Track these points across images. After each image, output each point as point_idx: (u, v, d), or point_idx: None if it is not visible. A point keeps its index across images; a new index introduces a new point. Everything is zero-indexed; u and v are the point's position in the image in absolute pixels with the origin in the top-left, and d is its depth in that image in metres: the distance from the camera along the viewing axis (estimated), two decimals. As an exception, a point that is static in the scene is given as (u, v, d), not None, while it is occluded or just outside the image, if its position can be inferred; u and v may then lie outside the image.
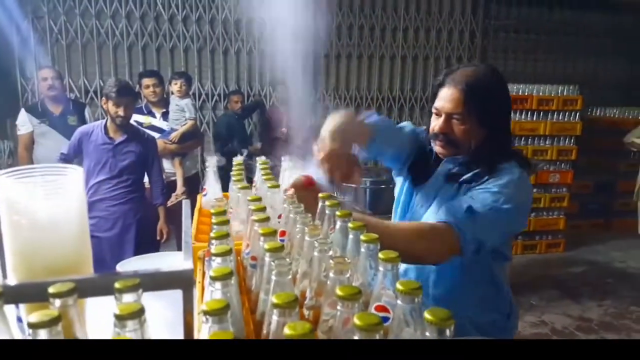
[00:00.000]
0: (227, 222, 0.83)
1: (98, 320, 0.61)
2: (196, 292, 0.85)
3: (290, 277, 0.64)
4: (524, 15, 6.42)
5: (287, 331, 0.45)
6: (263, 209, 0.88)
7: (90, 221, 0.76)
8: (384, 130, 1.36)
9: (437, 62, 6.12)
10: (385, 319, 0.60)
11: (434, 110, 1.32)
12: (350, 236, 0.76)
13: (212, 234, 0.75)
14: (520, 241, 4.99)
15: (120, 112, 2.78)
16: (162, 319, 0.82)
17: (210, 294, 0.61)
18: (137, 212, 2.94)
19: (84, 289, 0.57)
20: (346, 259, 0.64)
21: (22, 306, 0.67)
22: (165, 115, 3.65)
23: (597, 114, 6.22)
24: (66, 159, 2.85)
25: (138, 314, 0.49)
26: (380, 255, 0.63)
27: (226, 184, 1.46)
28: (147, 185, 3.16)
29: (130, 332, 0.48)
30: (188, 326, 0.74)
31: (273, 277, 0.63)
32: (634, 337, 3.41)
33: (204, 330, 0.50)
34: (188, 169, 3.74)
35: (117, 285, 0.55)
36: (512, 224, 1.26)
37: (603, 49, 6.61)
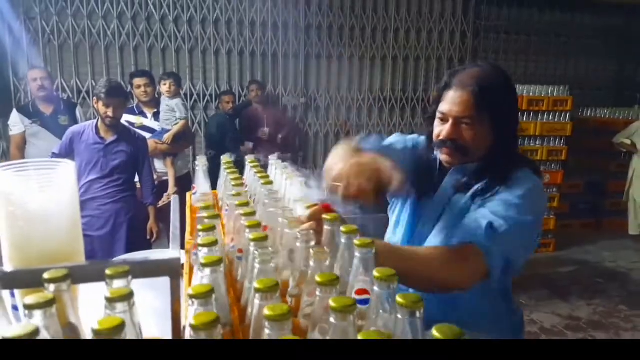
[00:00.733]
0: (215, 217, 0.86)
1: (90, 306, 0.64)
2: (184, 284, 0.88)
3: (273, 265, 0.68)
4: (515, 16, 6.50)
5: (266, 312, 0.49)
6: (247, 204, 0.92)
7: (81, 220, 0.79)
8: (380, 150, 1.23)
9: (428, 63, 6.19)
10: (365, 302, 0.63)
11: (439, 115, 1.19)
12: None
13: (199, 226, 0.78)
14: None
15: (110, 112, 2.79)
16: (151, 309, 0.85)
17: (200, 280, 0.64)
18: (129, 211, 2.96)
19: (76, 276, 0.60)
20: (325, 248, 0.67)
21: (17, 295, 0.70)
22: (156, 116, 3.66)
23: (587, 114, 6.30)
24: (58, 158, 2.86)
25: (128, 297, 0.52)
26: (356, 242, 0.66)
27: (215, 182, 1.49)
28: (138, 185, 3.18)
29: (120, 314, 0.51)
30: (175, 314, 0.77)
31: (257, 266, 0.67)
32: (623, 336, 3.47)
33: (190, 314, 0.53)
34: (180, 169, 3.75)
35: (107, 272, 0.58)
36: (535, 236, 1.17)
37: (593, 50, 6.70)
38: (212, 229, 0.77)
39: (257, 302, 0.56)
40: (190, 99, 5.39)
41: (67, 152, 2.90)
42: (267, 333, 0.48)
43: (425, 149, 1.30)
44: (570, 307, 3.87)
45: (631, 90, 6.83)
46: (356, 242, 0.66)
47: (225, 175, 1.28)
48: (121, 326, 0.46)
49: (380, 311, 0.57)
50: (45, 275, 0.56)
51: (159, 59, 5.31)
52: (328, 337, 0.51)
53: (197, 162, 1.45)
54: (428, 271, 0.97)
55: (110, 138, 2.88)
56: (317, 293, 0.57)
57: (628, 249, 5.19)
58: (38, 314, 0.50)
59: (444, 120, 1.18)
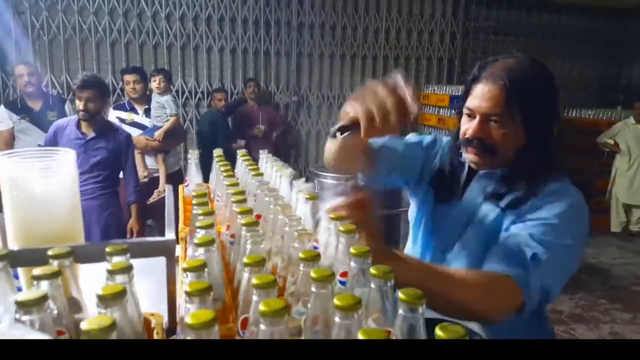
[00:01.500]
0: (207, 204, 0.91)
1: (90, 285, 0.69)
2: (179, 270, 0.93)
3: (262, 246, 0.73)
4: (503, 17, 6.62)
5: (254, 281, 0.54)
6: (242, 192, 0.96)
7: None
8: (386, 148, 1.17)
9: (418, 62, 6.28)
10: (345, 282, 0.69)
11: (465, 111, 1.09)
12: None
13: (194, 211, 0.83)
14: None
15: (81, 105, 2.74)
16: (146, 293, 0.90)
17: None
18: (107, 209, 2.90)
19: (77, 255, 0.64)
20: (308, 230, 0.73)
21: (21, 276, 0.75)
22: (147, 112, 3.66)
23: (572, 115, 6.42)
24: None
25: (127, 269, 0.57)
26: (340, 227, 0.71)
27: (207, 175, 1.53)
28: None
29: (120, 283, 0.55)
30: (171, 295, 0.82)
31: (248, 246, 0.72)
32: (602, 328, 3.57)
33: (184, 286, 0.58)
34: (171, 166, 3.76)
35: (108, 249, 0.63)
36: (576, 261, 1.05)
37: (578, 53, 6.85)
38: (209, 214, 0.81)
39: (246, 275, 0.61)
40: (182, 96, 5.41)
41: (52, 145, 2.88)
42: (255, 300, 0.53)
43: (452, 148, 1.18)
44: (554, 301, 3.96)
45: (614, 91, 6.99)
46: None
47: (217, 168, 1.33)
48: (123, 292, 0.51)
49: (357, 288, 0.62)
50: (50, 252, 0.61)
51: (151, 55, 5.33)
52: (309, 306, 0.56)
53: (189, 155, 1.48)
54: (463, 300, 0.88)
55: (91, 134, 2.83)
56: (300, 268, 0.63)
57: (610, 246, 5.32)
58: (45, 284, 0.54)
59: (471, 116, 1.08)
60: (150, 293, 0.93)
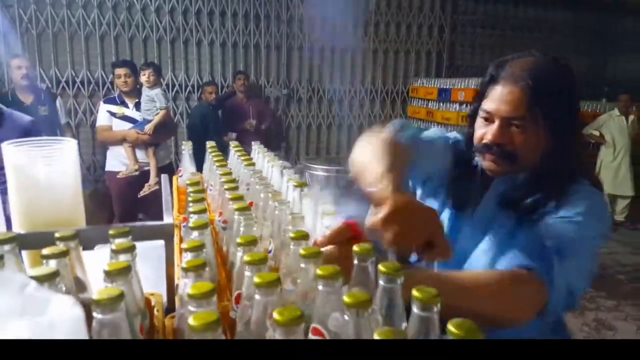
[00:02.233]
0: (202, 191, 0.95)
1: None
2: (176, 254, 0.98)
3: (254, 228, 0.78)
4: (490, 11, 6.70)
5: (245, 258, 0.59)
6: (234, 181, 1.01)
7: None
8: (421, 146, 1.08)
9: (407, 55, 6.34)
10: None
11: (482, 114, 1.02)
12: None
13: (189, 198, 0.87)
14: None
15: None
16: (144, 278, 0.95)
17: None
18: None
19: (82, 238, 0.69)
20: (300, 215, 0.78)
21: (26, 260, 0.79)
22: (138, 106, 3.67)
23: (558, 107, 6.52)
24: None
25: (130, 249, 0.61)
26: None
27: (198, 168, 1.57)
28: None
29: (122, 260, 0.60)
30: (170, 277, 0.86)
31: (241, 229, 0.76)
32: (587, 315, 3.68)
33: (182, 264, 0.63)
34: (162, 159, 3.77)
35: (111, 232, 0.68)
36: (597, 262, 0.98)
37: (564, 46, 6.94)
38: (202, 200, 0.86)
39: (239, 254, 0.66)
40: (172, 90, 5.42)
41: None
42: (247, 275, 0.58)
43: (465, 152, 1.11)
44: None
45: (600, 84, 7.11)
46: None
47: (210, 159, 1.37)
48: (128, 268, 0.55)
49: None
50: (57, 235, 0.65)
51: (140, 49, 5.32)
52: (299, 281, 0.61)
53: (182, 146, 1.52)
54: (479, 307, 0.75)
55: None
56: (291, 246, 0.67)
57: (596, 236, 5.44)
58: (53, 262, 0.59)
59: (489, 120, 1.01)
60: (148, 278, 0.98)
